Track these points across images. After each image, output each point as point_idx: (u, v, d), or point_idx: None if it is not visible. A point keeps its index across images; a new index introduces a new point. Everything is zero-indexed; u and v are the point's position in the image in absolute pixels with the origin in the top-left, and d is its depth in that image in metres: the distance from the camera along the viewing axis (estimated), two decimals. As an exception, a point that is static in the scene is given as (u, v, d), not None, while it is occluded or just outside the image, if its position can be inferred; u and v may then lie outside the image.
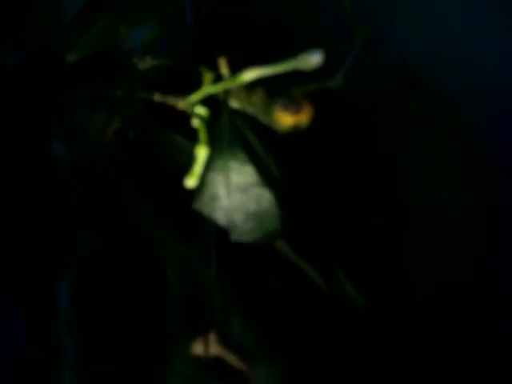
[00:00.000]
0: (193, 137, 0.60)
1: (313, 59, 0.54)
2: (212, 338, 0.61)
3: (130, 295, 0.60)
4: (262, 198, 0.62)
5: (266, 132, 0.61)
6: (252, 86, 0.59)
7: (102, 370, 0.56)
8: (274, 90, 0.60)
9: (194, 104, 0.60)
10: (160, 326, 0.60)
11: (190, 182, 0.58)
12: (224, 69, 0.59)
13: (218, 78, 0.60)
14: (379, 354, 0.64)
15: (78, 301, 0.56)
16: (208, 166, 0.60)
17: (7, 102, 0.59)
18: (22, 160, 0.58)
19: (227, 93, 0.61)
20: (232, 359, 0.61)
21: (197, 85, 0.60)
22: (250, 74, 0.56)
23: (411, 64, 0.65)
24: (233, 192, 0.61)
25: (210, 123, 0.60)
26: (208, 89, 0.59)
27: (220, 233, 0.62)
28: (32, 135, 0.58)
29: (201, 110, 0.60)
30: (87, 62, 0.61)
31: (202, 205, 0.61)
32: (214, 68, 0.61)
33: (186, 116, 0.60)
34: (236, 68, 0.58)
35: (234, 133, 0.62)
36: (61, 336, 0.54)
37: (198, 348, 0.61)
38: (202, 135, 0.59)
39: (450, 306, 0.66)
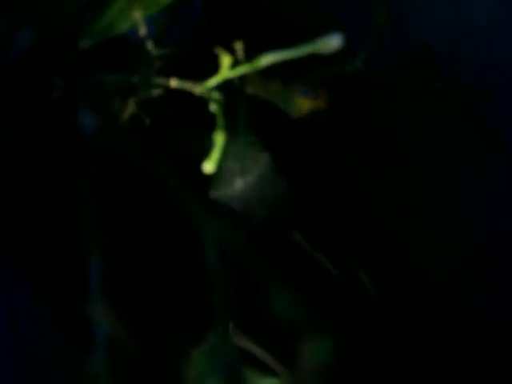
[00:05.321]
0: (207, 126, 0.59)
1: (332, 42, 0.53)
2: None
3: (165, 274, 0.58)
4: (278, 186, 0.61)
5: (282, 118, 0.60)
6: (268, 71, 0.59)
7: (136, 353, 0.55)
8: (291, 75, 0.59)
9: (211, 89, 0.59)
10: (198, 306, 0.58)
11: (208, 166, 0.57)
12: (240, 53, 0.58)
13: (233, 64, 0.59)
14: (396, 347, 0.64)
15: (110, 280, 0.54)
16: (224, 154, 0.59)
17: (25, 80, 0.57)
18: (48, 135, 0.57)
19: (243, 78, 0.60)
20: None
21: (212, 70, 0.59)
22: (267, 58, 0.55)
23: (432, 48, 0.64)
24: (249, 180, 0.60)
25: (226, 110, 0.59)
26: (225, 73, 0.58)
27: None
28: (56, 107, 0.57)
29: (217, 96, 0.59)
30: (101, 47, 0.61)
31: (218, 193, 0.60)
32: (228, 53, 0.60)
33: (201, 104, 0.59)
34: (249, 53, 0.57)
35: (249, 119, 0.61)
36: (91, 318, 0.53)
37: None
38: (220, 120, 0.58)
39: (458, 299, 0.65)
